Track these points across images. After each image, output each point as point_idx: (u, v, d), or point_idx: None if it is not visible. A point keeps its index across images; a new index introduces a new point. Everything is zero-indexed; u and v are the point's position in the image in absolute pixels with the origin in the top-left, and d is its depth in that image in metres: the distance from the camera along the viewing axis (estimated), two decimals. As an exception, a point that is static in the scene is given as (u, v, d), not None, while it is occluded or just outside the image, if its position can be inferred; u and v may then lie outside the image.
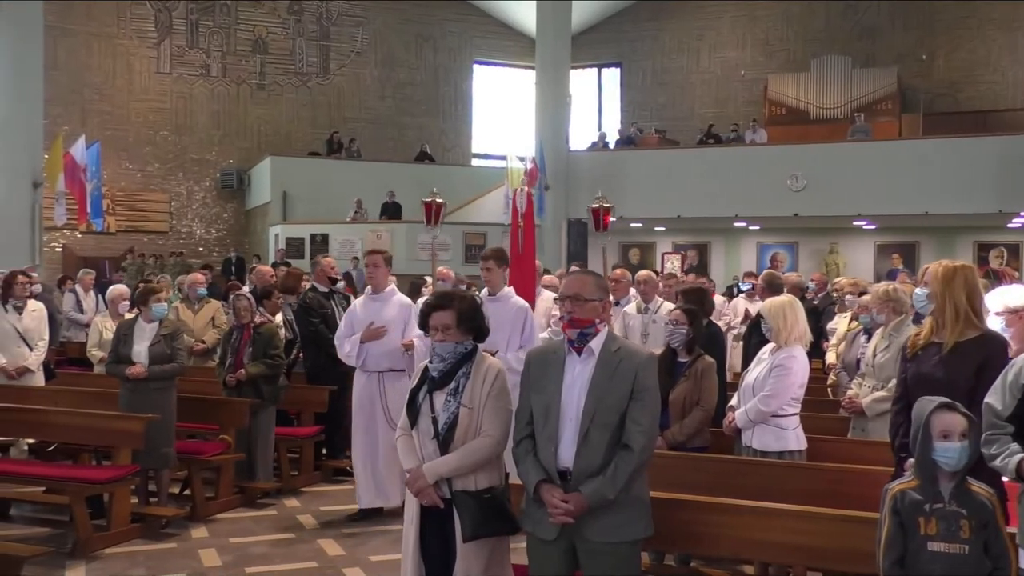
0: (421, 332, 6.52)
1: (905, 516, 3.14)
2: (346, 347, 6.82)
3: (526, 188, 8.18)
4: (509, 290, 6.74)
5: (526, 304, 6.74)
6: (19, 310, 8.53)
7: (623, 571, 3.55)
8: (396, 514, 6.34)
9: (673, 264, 19.17)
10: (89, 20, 22.80)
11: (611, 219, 20.53)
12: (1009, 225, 18.91)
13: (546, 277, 9.45)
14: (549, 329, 7.88)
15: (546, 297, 8.39)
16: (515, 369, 5.38)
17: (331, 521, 6.86)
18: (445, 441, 3.82)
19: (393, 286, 7.08)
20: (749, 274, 10.67)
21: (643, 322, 7.78)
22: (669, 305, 7.92)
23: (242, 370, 7.29)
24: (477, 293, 8.87)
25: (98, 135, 19.25)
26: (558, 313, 7.65)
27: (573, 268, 9.65)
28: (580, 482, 3.48)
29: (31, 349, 8.55)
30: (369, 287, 7.05)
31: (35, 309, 8.69)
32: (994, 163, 17.63)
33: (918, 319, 6.29)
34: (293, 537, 6.47)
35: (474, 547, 3.75)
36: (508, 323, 6.47)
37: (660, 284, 8.56)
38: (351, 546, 6.23)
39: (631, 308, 7.96)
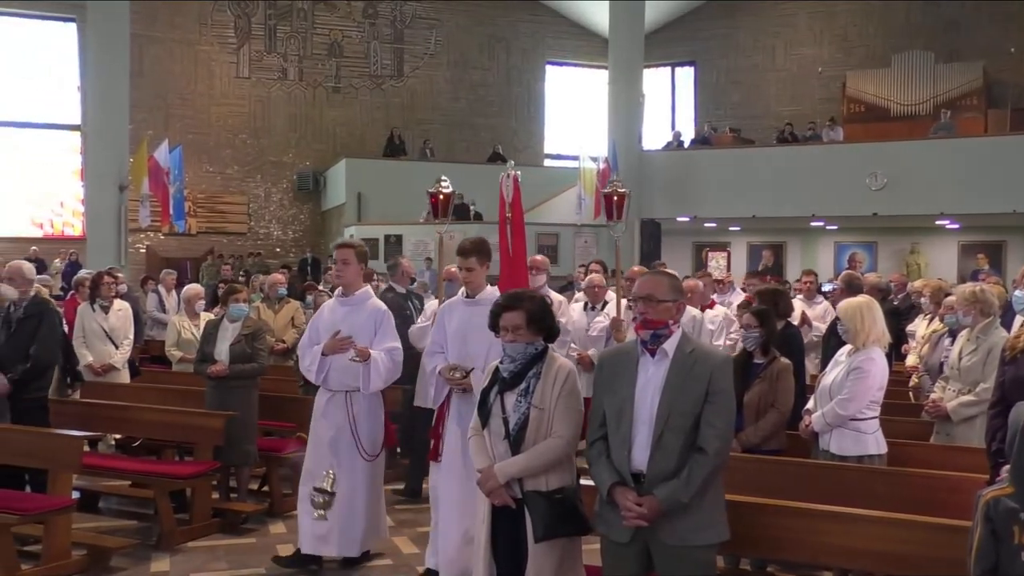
0: (393, 345, 5.73)
1: (998, 524, 2.99)
2: (306, 359, 5.81)
3: (512, 173, 7.25)
4: (491, 291, 5.45)
5: None
6: (105, 309, 8.80)
7: (698, 574, 3.52)
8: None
9: (718, 263, 18.67)
10: (172, 28, 23.43)
11: (684, 219, 20.55)
12: (1102, 224, 18.19)
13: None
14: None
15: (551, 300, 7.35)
16: None
17: (405, 520, 6.90)
18: (516, 441, 3.82)
19: (368, 288, 6.06)
20: (808, 272, 10.06)
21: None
22: (693, 311, 7.31)
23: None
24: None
25: (180, 139, 19.77)
26: (562, 319, 7.29)
27: (595, 266, 8.95)
28: (654, 485, 3.45)
29: (116, 347, 8.81)
30: (339, 288, 6.05)
31: (120, 309, 8.95)
32: (1087, 159, 16.97)
33: (1005, 322, 6.11)
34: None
35: (546, 547, 3.75)
36: (487, 332, 4.88)
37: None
38: (425, 544, 6.26)
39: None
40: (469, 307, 5.33)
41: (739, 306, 8.69)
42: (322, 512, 5.22)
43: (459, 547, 5.02)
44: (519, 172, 7.13)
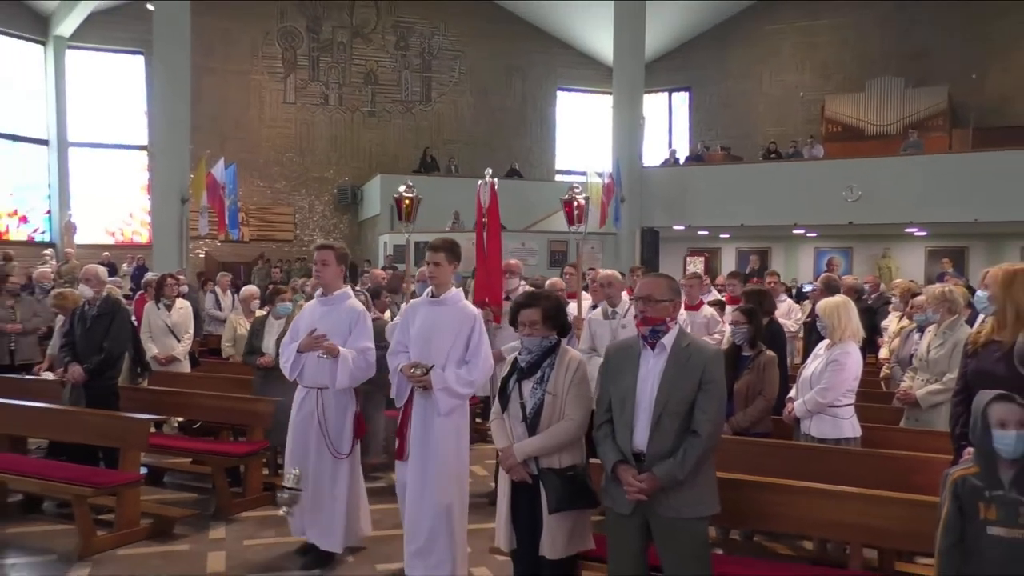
0: (367, 345, 5.21)
1: (965, 501, 2.98)
2: (283, 356, 5.37)
3: (490, 180, 6.64)
4: (456, 293, 4.98)
5: (475, 310, 4.97)
6: (168, 307, 8.85)
7: (692, 544, 3.51)
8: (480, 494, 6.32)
9: (696, 265, 18.42)
10: (228, 60, 23.56)
11: (679, 227, 20.47)
12: (1055, 232, 18.01)
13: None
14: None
15: None
16: (455, 391, 4.67)
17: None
18: (532, 424, 3.84)
19: (347, 289, 5.49)
20: (772, 273, 9.86)
21: (611, 328, 6.08)
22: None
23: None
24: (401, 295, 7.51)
25: (234, 157, 19.86)
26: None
27: (568, 269, 8.51)
28: (652, 464, 3.45)
29: (179, 341, 8.86)
30: (320, 289, 5.53)
31: (182, 307, 9.00)
32: (1041, 173, 16.83)
33: (969, 319, 6.07)
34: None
35: (558, 518, 3.76)
36: (451, 332, 4.76)
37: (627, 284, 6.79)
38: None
39: (597, 313, 6.32)
40: (433, 307, 4.86)
41: (708, 303, 8.66)
42: (287, 509, 4.89)
43: (425, 543, 4.70)
44: (496, 180, 6.82)
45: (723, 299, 9.08)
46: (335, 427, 5.21)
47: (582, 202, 7.69)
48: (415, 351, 4.80)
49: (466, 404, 4.88)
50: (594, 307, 6.68)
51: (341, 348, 5.12)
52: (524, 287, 7.31)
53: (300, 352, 5.19)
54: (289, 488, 4.87)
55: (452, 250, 4.93)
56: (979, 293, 3.92)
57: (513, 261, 7.32)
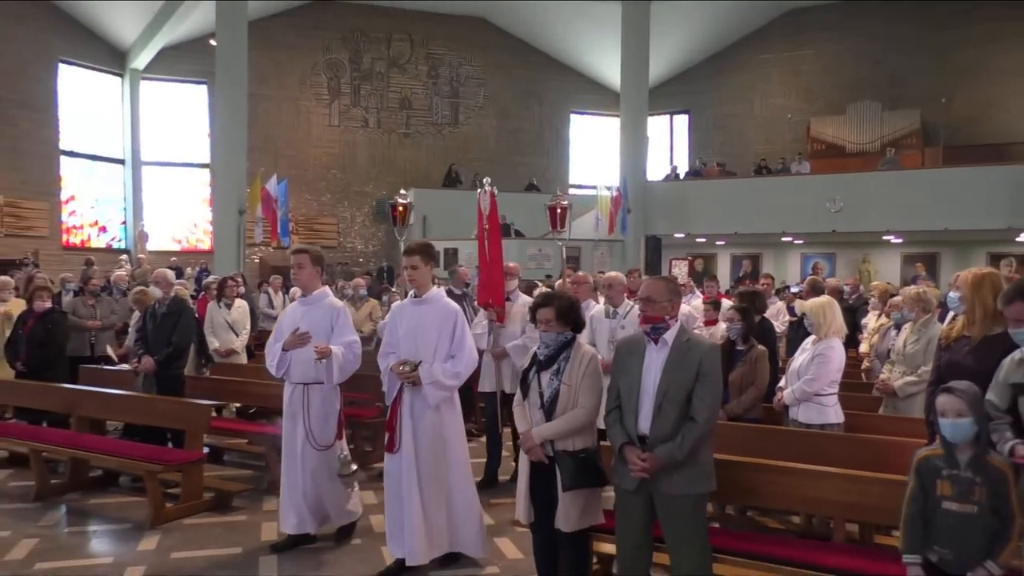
0: (351, 339, 4.94)
1: (925, 478, 3.04)
2: (269, 356, 4.99)
3: (488, 189, 6.37)
4: (439, 292, 4.72)
5: (456, 307, 4.68)
6: (228, 306, 8.92)
7: (691, 518, 3.50)
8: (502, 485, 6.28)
9: (681, 269, 18.20)
10: (280, 88, 23.71)
11: (680, 235, 20.37)
12: (1018, 239, 17.76)
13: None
14: (524, 336, 6.23)
15: (523, 302, 6.39)
16: (443, 384, 4.44)
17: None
18: (549, 411, 3.83)
19: (325, 288, 5.17)
20: (766, 276, 9.85)
21: (611, 327, 5.97)
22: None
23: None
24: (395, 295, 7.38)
25: (285, 174, 19.96)
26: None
27: (567, 270, 8.37)
28: (654, 446, 3.44)
29: (237, 336, 8.92)
30: (299, 290, 5.22)
31: (240, 306, 9.07)
32: (1004, 187, 16.66)
33: (940, 317, 5.99)
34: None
35: (571, 495, 3.75)
36: (435, 329, 4.53)
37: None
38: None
39: (599, 311, 6.24)
40: (417, 307, 4.61)
41: (707, 302, 8.49)
42: (355, 485, 5.07)
43: (424, 537, 4.46)
44: (495, 188, 6.59)
45: (717, 300, 8.98)
46: (317, 421, 4.93)
47: (565, 207, 7.49)
48: (404, 350, 4.55)
49: (455, 396, 4.66)
50: None
51: (332, 347, 4.82)
52: (540, 289, 7.21)
53: (285, 351, 4.89)
54: (347, 474, 4.95)
55: (426, 252, 4.68)
56: (951, 294, 3.88)
57: (511, 264, 7.04)
